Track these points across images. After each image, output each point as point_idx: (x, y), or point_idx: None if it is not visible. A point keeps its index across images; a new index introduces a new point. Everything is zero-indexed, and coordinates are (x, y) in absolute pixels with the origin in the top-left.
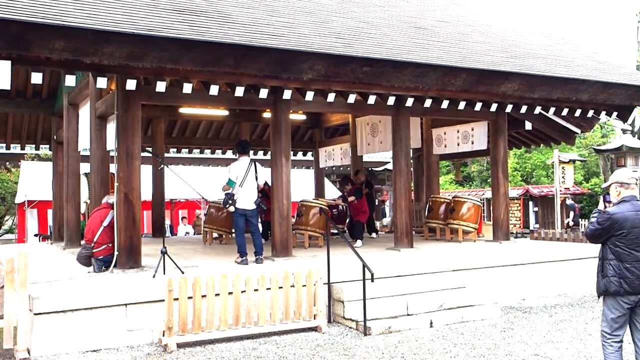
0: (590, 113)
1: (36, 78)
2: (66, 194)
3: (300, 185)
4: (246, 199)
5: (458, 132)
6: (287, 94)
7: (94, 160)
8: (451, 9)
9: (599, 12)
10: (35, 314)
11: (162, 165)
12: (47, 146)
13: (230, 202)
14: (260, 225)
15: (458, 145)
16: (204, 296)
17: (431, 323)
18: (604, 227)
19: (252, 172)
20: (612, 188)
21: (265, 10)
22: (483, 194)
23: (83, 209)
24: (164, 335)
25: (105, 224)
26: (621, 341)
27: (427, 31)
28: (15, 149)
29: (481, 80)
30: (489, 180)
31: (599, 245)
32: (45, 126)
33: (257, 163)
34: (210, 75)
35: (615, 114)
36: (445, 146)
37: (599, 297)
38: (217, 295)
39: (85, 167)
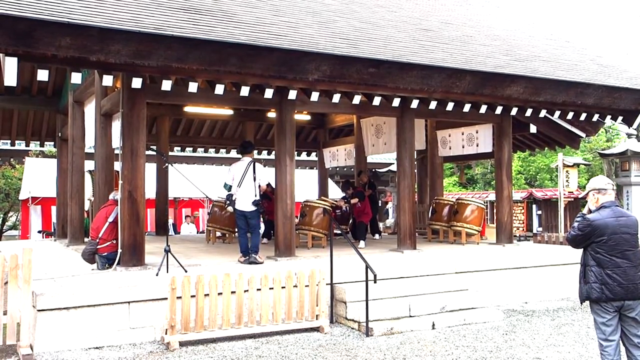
0: (596, 117)
1: (42, 75)
2: (70, 191)
3: (304, 185)
4: (244, 200)
5: (463, 134)
6: (292, 94)
7: (99, 157)
8: (455, 11)
9: (607, 14)
10: (38, 311)
11: (166, 164)
12: (52, 143)
13: (229, 202)
14: (263, 225)
15: (463, 147)
16: (206, 295)
17: (433, 325)
18: (585, 233)
19: (250, 173)
20: (590, 195)
21: (269, 10)
22: (487, 196)
23: (87, 206)
24: (166, 334)
25: (110, 219)
26: (617, 346)
27: (432, 33)
28: (20, 145)
29: (486, 82)
30: (492, 183)
31: (581, 251)
32: (50, 123)
33: (256, 164)
34: (215, 75)
35: (620, 118)
36: (450, 148)
37: (581, 303)
38: (220, 294)
39: (89, 165)
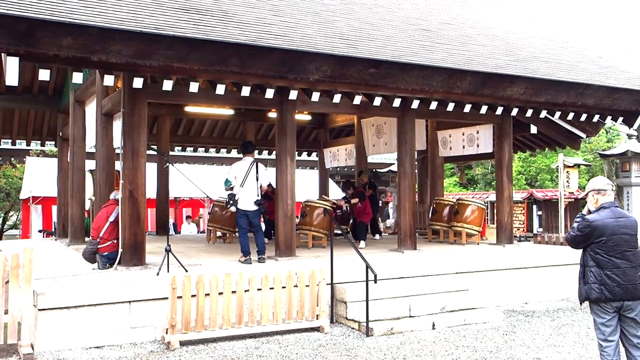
0: (596, 117)
1: (43, 75)
2: (71, 190)
3: (305, 185)
4: (246, 200)
5: (463, 134)
6: (293, 95)
7: (100, 157)
8: (455, 11)
9: (607, 15)
10: (39, 310)
11: (167, 164)
12: (53, 142)
13: (231, 202)
14: (263, 225)
15: (463, 147)
16: (207, 295)
17: (433, 325)
18: (584, 234)
19: (252, 172)
20: (590, 196)
21: (269, 10)
22: (487, 197)
23: (88, 205)
24: (167, 333)
25: (110, 219)
26: (617, 346)
27: (432, 33)
28: (21, 144)
29: (487, 83)
30: (493, 183)
31: (580, 251)
32: (51, 123)
33: (258, 164)
34: (216, 75)
35: (621, 118)
36: (451, 149)
37: (581, 303)
38: (220, 294)
39: (90, 164)
